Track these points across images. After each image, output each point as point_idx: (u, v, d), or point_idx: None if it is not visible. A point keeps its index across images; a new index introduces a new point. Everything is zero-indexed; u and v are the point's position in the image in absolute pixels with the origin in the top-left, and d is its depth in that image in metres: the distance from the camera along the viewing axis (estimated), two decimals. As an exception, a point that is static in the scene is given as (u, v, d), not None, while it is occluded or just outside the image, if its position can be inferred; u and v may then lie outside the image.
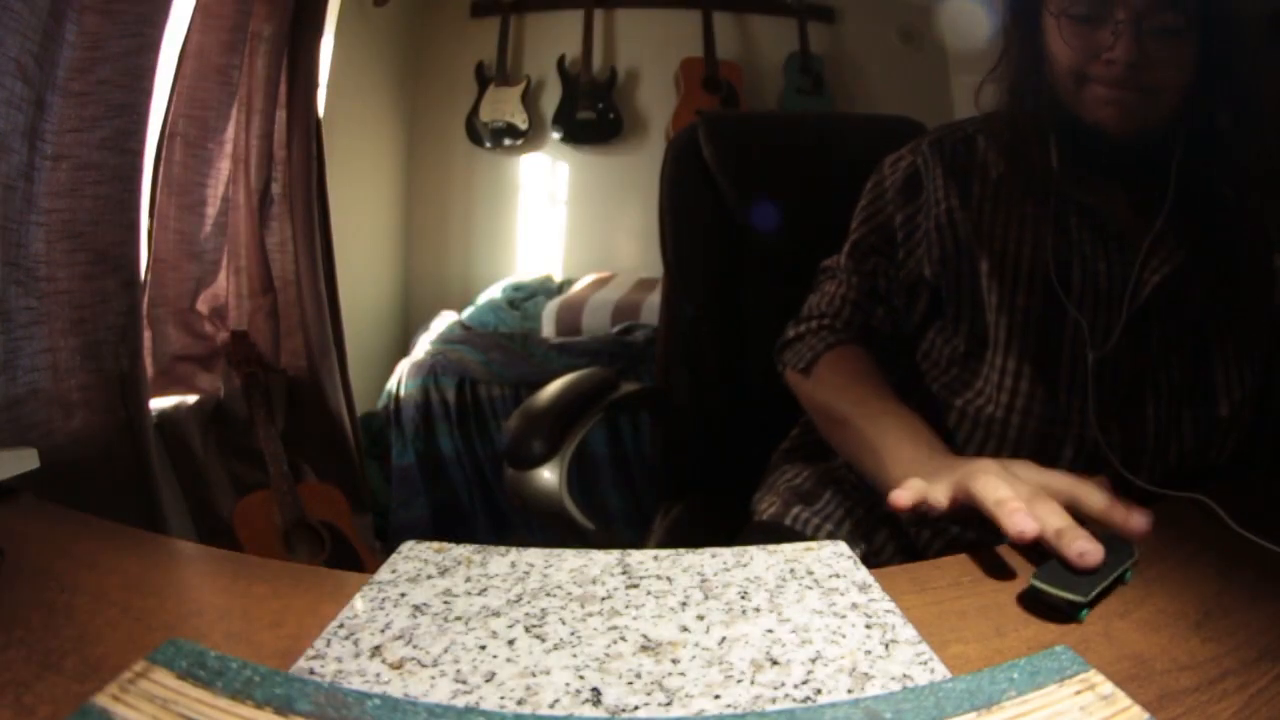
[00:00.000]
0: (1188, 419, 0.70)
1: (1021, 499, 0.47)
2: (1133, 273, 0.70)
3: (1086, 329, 0.70)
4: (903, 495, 0.52)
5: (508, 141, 2.67)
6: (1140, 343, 0.70)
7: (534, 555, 0.42)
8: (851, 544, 0.45)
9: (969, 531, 0.73)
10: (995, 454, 0.73)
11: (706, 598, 0.36)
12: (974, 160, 0.78)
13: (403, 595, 0.37)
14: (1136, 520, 0.45)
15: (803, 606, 0.35)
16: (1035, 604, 0.40)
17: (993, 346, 0.74)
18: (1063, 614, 0.39)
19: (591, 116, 2.64)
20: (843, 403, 0.75)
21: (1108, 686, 0.28)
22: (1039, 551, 0.45)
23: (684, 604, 0.36)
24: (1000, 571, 0.44)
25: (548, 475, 0.79)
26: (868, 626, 0.34)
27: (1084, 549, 0.42)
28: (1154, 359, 0.70)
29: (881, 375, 0.78)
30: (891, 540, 0.75)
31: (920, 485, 0.53)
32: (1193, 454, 0.70)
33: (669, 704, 0.28)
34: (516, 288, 2.56)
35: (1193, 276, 0.69)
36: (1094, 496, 0.48)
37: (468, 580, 0.39)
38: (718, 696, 0.29)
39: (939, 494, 0.52)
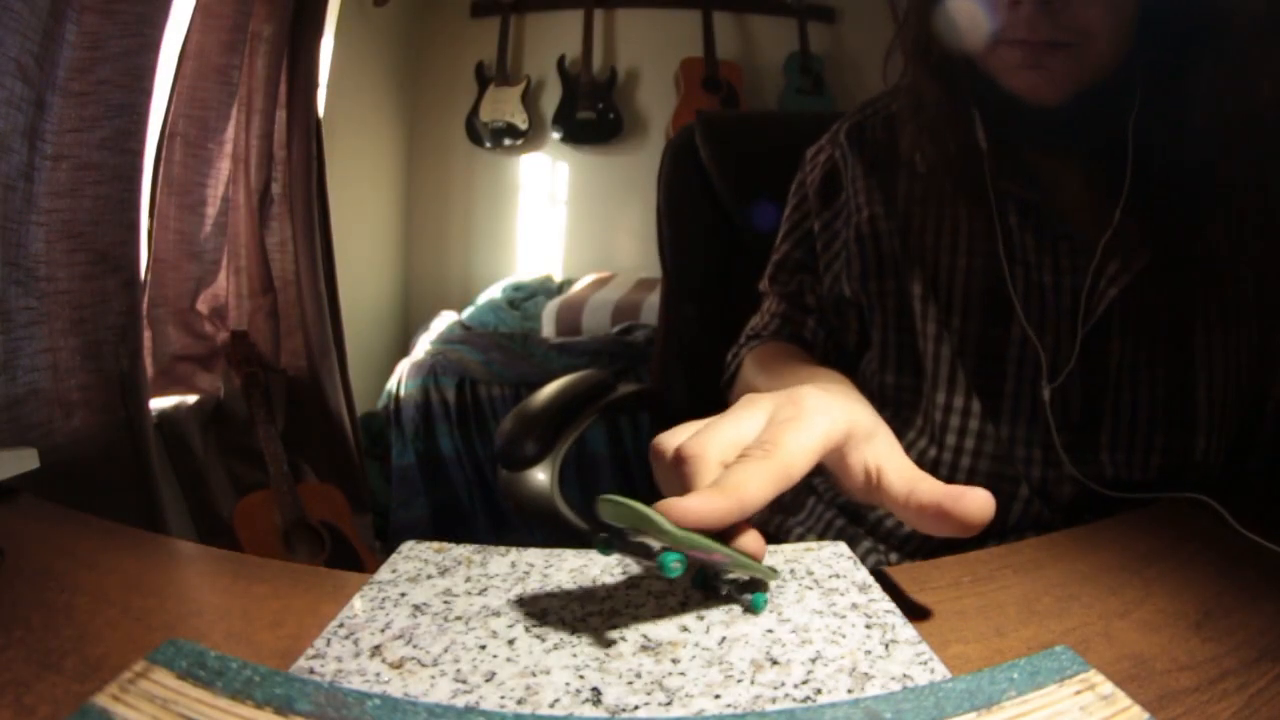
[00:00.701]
0: (1158, 445, 0.59)
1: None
2: (1085, 282, 0.58)
3: (1043, 356, 0.59)
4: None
5: (508, 141, 2.67)
6: (1099, 363, 0.59)
7: (534, 555, 0.42)
8: None
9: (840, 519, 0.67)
10: None
11: (706, 598, 0.36)
12: (898, 151, 0.66)
13: (403, 595, 0.37)
14: (969, 500, 0.34)
15: (803, 606, 0.35)
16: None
17: (930, 379, 0.63)
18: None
19: (591, 116, 2.64)
20: (756, 381, 0.65)
21: (1108, 686, 0.28)
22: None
23: (684, 604, 0.36)
24: (1000, 571, 0.44)
25: (540, 476, 0.79)
26: (868, 626, 0.34)
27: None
28: (1116, 379, 0.59)
29: (808, 356, 0.68)
30: (874, 551, 0.69)
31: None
32: (1161, 484, 0.59)
33: (669, 704, 0.28)
34: (516, 288, 2.57)
35: (1159, 280, 0.58)
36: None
37: (468, 580, 0.39)
38: (718, 696, 0.29)
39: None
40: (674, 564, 0.31)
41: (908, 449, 0.59)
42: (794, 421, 0.36)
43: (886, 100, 0.70)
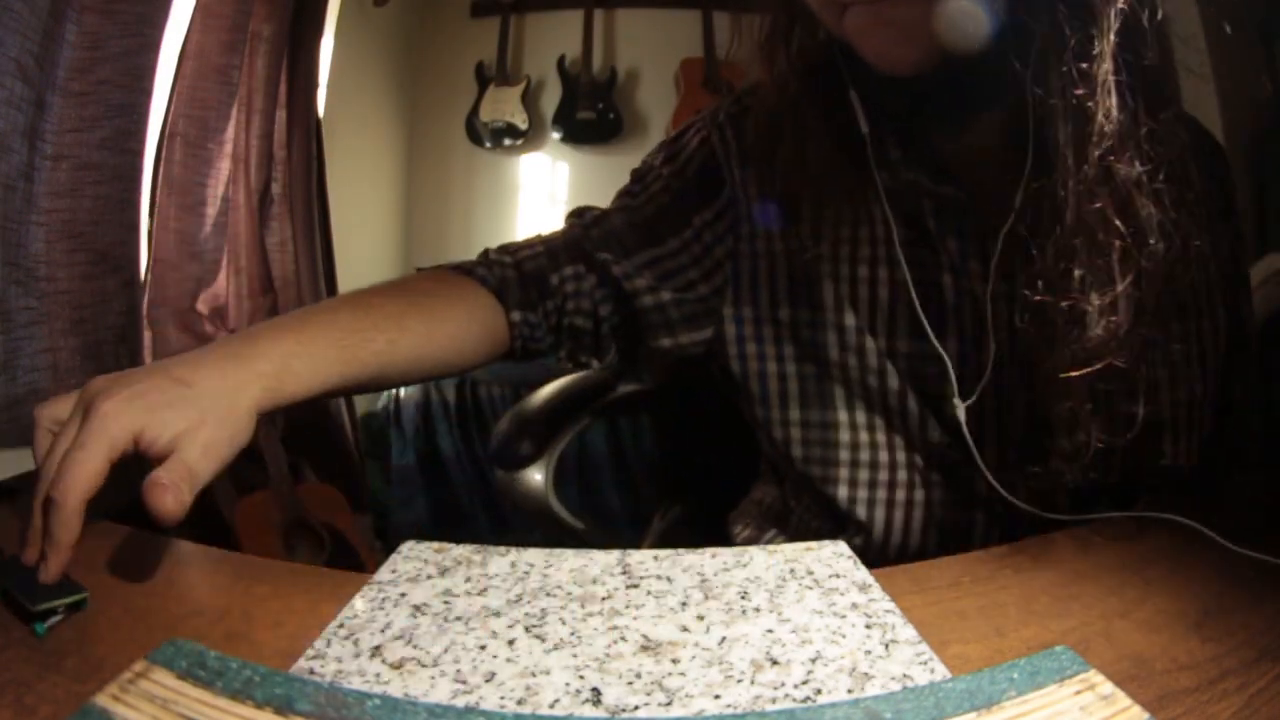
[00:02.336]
0: (1117, 453, 0.51)
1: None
2: (989, 280, 0.51)
3: (955, 368, 0.52)
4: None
5: (508, 141, 2.66)
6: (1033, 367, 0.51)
7: (534, 555, 0.42)
8: None
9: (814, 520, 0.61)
10: (901, 550, 0.57)
11: (706, 598, 0.36)
12: (782, 148, 0.56)
13: (403, 595, 0.37)
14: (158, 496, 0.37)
15: (803, 606, 0.35)
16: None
17: (847, 414, 0.57)
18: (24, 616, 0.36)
19: (591, 116, 2.64)
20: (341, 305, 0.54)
21: (1108, 686, 0.28)
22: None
23: (684, 604, 0.36)
24: (1000, 571, 0.44)
25: (535, 476, 0.80)
26: (868, 626, 0.34)
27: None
28: (1055, 384, 0.50)
29: (422, 302, 0.56)
30: (864, 558, 0.63)
31: None
32: (1129, 488, 0.54)
33: (669, 704, 0.28)
34: (517, 288, 2.56)
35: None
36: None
37: (468, 580, 0.39)
38: (718, 696, 0.29)
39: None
40: None
41: (839, 502, 0.58)
42: (75, 451, 0.39)
43: (763, 100, 0.59)
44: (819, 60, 0.54)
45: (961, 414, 0.52)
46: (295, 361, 0.46)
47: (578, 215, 0.65)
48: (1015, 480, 0.53)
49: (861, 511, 0.59)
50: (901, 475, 0.58)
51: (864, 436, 0.58)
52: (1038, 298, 0.47)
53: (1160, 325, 0.50)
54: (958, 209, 0.53)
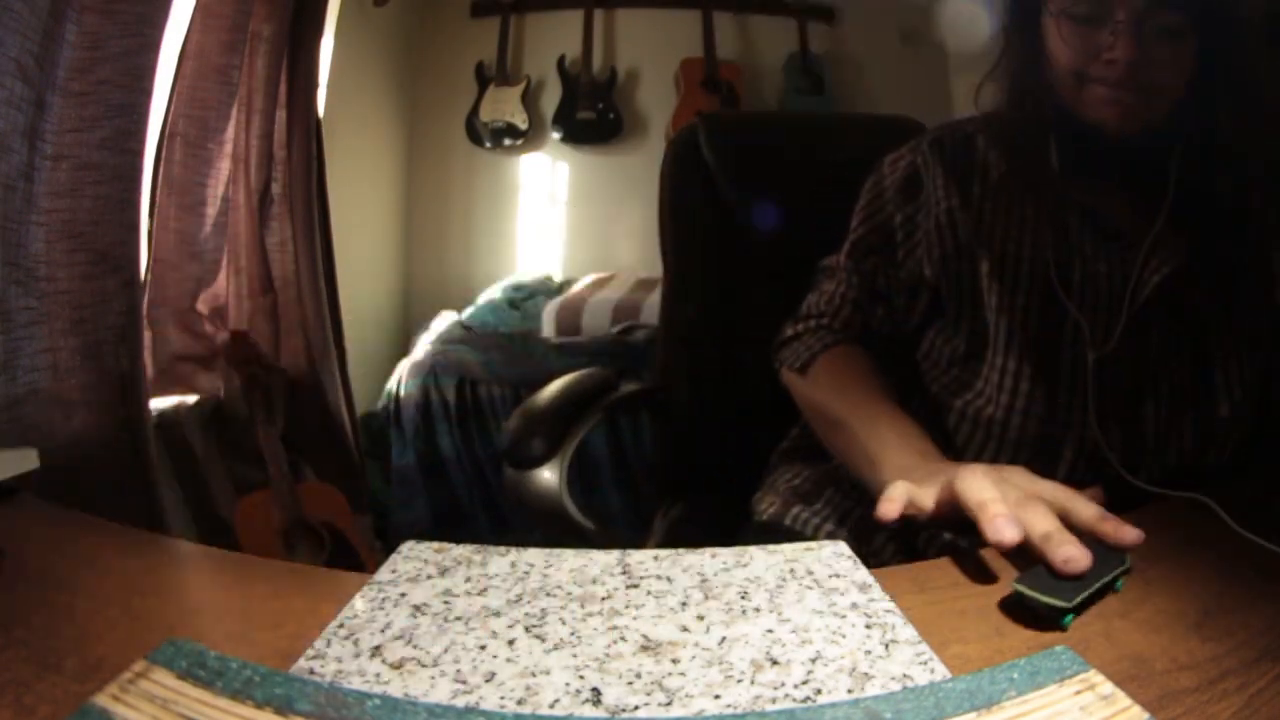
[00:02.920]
0: (1188, 419, 0.70)
1: (1008, 503, 0.46)
2: (1133, 273, 0.70)
3: (1087, 329, 0.70)
4: (889, 506, 0.51)
5: (508, 141, 2.67)
6: (1140, 343, 0.70)
7: (534, 555, 0.42)
8: (851, 544, 0.45)
9: (962, 539, 0.72)
10: (995, 455, 0.73)
11: (706, 598, 0.36)
12: (974, 160, 0.78)
13: (403, 595, 0.37)
14: (1128, 534, 0.44)
15: (803, 606, 0.35)
16: (1018, 609, 0.40)
17: (992, 347, 0.74)
18: (1046, 620, 0.39)
19: (591, 116, 2.64)
20: (839, 404, 0.75)
21: (1108, 686, 0.28)
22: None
23: (684, 604, 0.36)
24: (1001, 572, 0.44)
25: (547, 475, 0.79)
26: (868, 626, 0.34)
27: (1070, 555, 0.41)
28: (1154, 359, 0.70)
29: (880, 377, 0.77)
30: (891, 541, 0.74)
31: (905, 490, 0.52)
32: (1192, 454, 0.70)
33: (669, 704, 0.28)
34: (516, 288, 2.56)
35: (1193, 277, 0.69)
36: (1085, 508, 0.48)
37: (468, 580, 0.39)
38: (718, 696, 0.29)
39: (925, 497, 0.52)
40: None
41: (967, 406, 0.76)
42: (1074, 494, 0.50)
43: (964, 124, 0.81)
44: (1034, 98, 0.72)
45: (1090, 359, 0.69)
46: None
47: (850, 255, 0.83)
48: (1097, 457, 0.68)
49: (967, 424, 0.74)
50: (1019, 403, 0.71)
51: (998, 361, 0.72)
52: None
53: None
54: (1094, 218, 0.71)
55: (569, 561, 0.41)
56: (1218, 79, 0.67)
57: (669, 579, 0.39)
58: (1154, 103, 0.67)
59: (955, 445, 0.75)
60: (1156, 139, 0.69)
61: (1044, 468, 0.62)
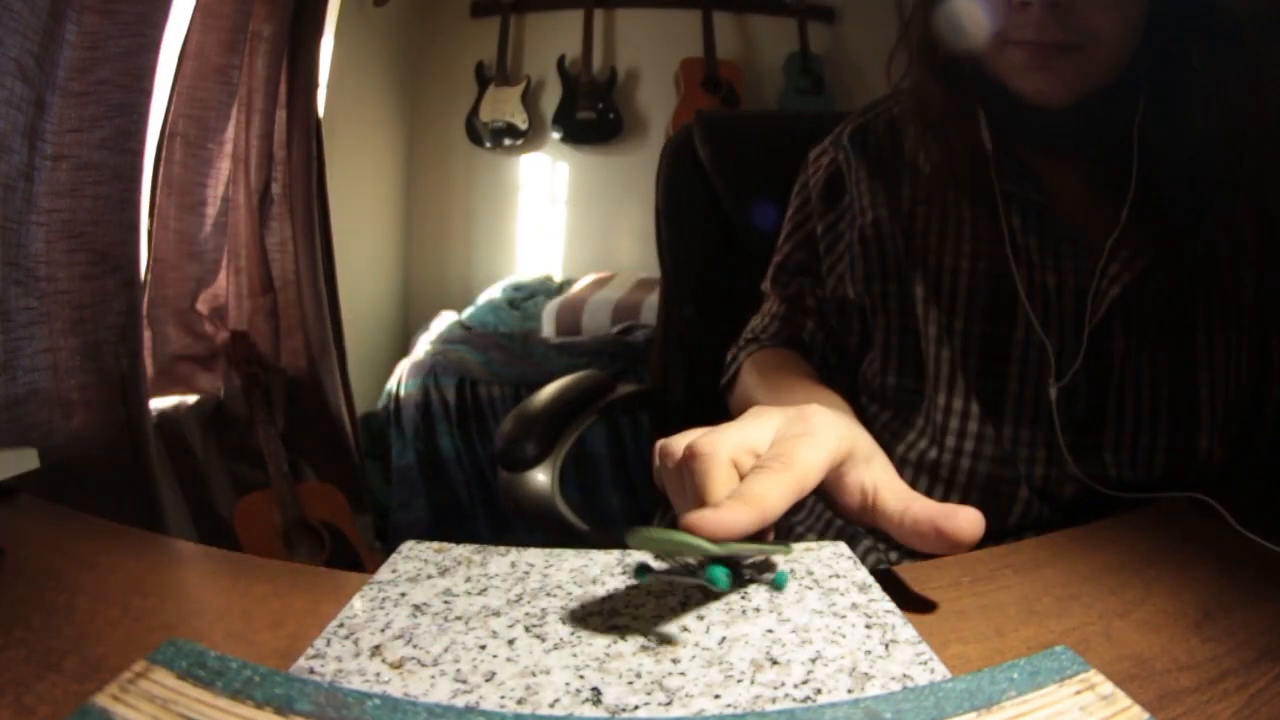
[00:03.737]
0: (1161, 445, 0.59)
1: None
2: (1092, 282, 0.58)
3: (1052, 355, 0.58)
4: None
5: (508, 141, 2.67)
6: (1101, 362, 0.59)
7: (534, 555, 0.42)
8: None
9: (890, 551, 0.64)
10: (944, 498, 0.61)
11: (706, 597, 0.36)
12: (901, 154, 0.66)
13: (403, 595, 0.37)
14: (962, 518, 0.36)
15: (803, 606, 0.35)
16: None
17: (932, 381, 0.64)
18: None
19: (591, 116, 2.64)
20: (757, 393, 0.66)
21: (1108, 686, 0.28)
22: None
23: (684, 604, 0.36)
24: (1000, 571, 0.44)
25: (540, 478, 0.79)
26: (868, 627, 0.34)
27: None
28: (1116, 380, 0.59)
29: (808, 368, 0.68)
30: (874, 549, 0.68)
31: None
32: (1165, 481, 0.59)
33: (669, 704, 0.28)
34: (516, 288, 2.56)
35: (1163, 275, 0.57)
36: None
37: (468, 580, 0.39)
38: (718, 696, 0.29)
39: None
40: (724, 577, 0.33)
41: (908, 450, 0.65)
42: (805, 436, 0.38)
43: (888, 103, 0.70)
44: (955, 77, 0.61)
45: (1053, 393, 0.58)
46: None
47: (774, 279, 0.77)
48: (1059, 470, 0.59)
49: (908, 475, 0.64)
50: (968, 445, 0.63)
51: (939, 399, 0.63)
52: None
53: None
54: (1040, 216, 0.60)
55: (569, 561, 0.41)
56: (1174, 20, 0.53)
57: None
58: (1092, 60, 0.53)
59: None
60: (1109, 105, 0.55)
61: (996, 512, 0.58)
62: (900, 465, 0.63)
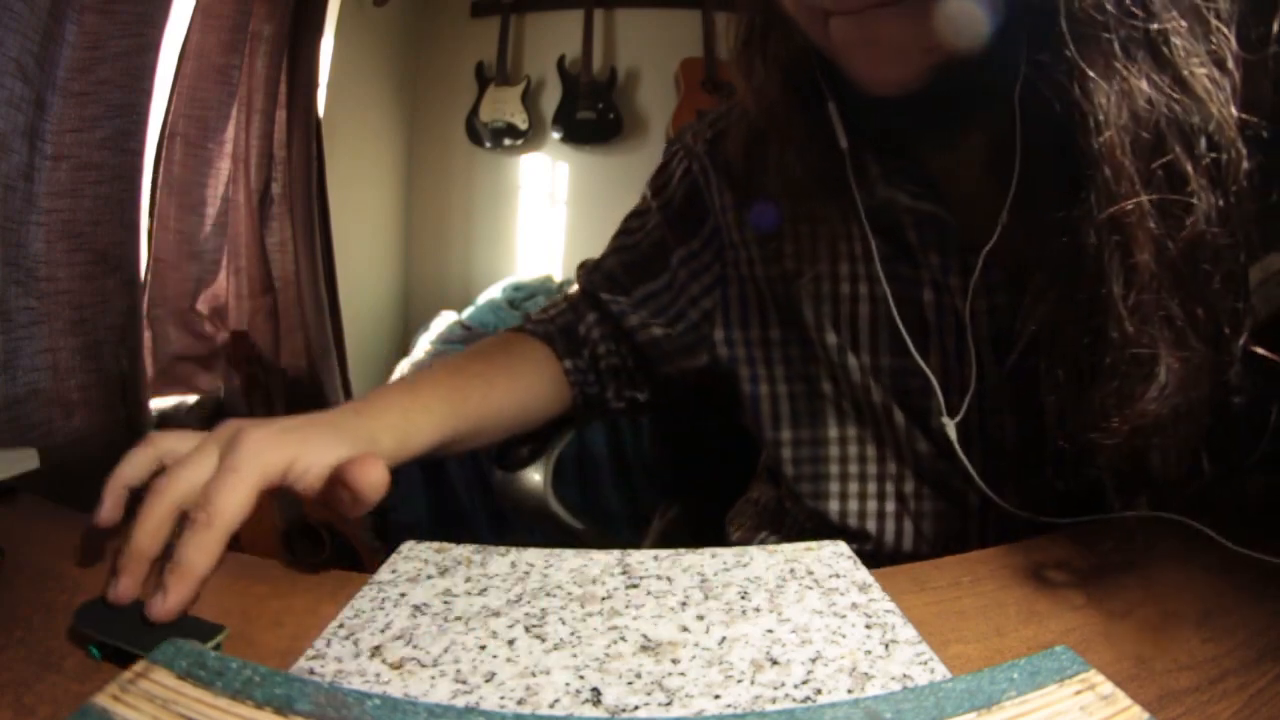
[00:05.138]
0: (1105, 458, 0.48)
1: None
2: (981, 304, 0.50)
3: (936, 388, 0.52)
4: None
5: (508, 141, 2.66)
6: (1027, 381, 0.49)
7: (534, 555, 0.42)
8: None
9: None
10: (894, 558, 0.57)
11: (706, 598, 0.36)
12: (760, 170, 0.55)
13: (403, 595, 0.37)
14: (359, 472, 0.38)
15: (803, 606, 0.35)
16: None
17: (839, 432, 0.57)
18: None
19: (591, 116, 2.64)
20: (424, 372, 0.59)
21: (1108, 686, 0.28)
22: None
23: (684, 604, 0.36)
24: (1000, 571, 0.44)
25: (535, 477, 0.80)
26: (868, 626, 0.34)
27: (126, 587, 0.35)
28: (1038, 394, 0.48)
29: (503, 365, 0.61)
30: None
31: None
32: (1120, 491, 0.51)
33: (669, 704, 0.28)
34: (516, 288, 2.56)
35: (1063, 288, 0.46)
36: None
37: (468, 580, 0.39)
38: (718, 696, 0.29)
39: None
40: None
41: (830, 516, 0.59)
42: (227, 474, 0.38)
43: (738, 111, 0.58)
44: (798, 70, 0.51)
45: (951, 431, 0.51)
46: (415, 416, 0.51)
47: (583, 267, 0.70)
48: (1007, 488, 0.52)
49: (854, 523, 0.59)
50: (890, 488, 0.58)
51: (853, 450, 0.58)
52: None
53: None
54: (938, 225, 0.52)
55: (569, 561, 0.41)
56: None
57: (669, 579, 0.39)
58: (924, 20, 0.40)
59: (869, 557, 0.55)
60: (977, 79, 0.44)
61: (956, 549, 0.50)
62: (835, 534, 0.55)
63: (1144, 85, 0.39)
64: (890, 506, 0.58)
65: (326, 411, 0.47)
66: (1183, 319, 0.42)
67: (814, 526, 0.64)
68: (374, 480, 0.38)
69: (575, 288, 0.70)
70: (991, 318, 0.51)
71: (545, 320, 0.68)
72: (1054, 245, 0.44)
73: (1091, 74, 0.39)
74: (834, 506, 0.59)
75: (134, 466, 0.40)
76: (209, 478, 0.38)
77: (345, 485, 0.38)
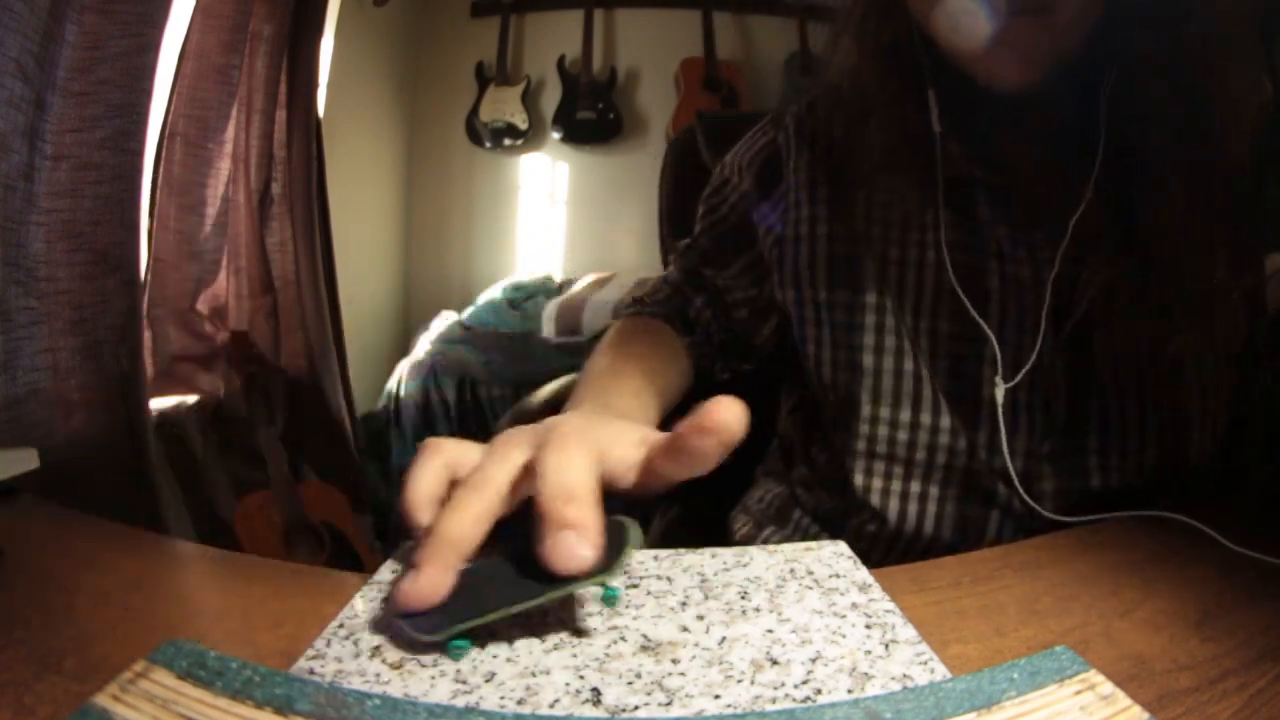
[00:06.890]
0: (1150, 445, 0.55)
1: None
2: (1049, 273, 0.53)
3: (997, 353, 0.54)
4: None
5: (508, 141, 2.67)
6: (1081, 358, 0.54)
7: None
8: None
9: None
10: (912, 541, 0.59)
11: (706, 598, 0.36)
12: (845, 140, 0.60)
13: (403, 595, 0.37)
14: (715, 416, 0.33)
15: (803, 606, 0.35)
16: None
17: (883, 391, 0.59)
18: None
19: (591, 116, 2.64)
20: (597, 363, 0.60)
21: (1108, 686, 0.28)
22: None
23: (684, 604, 0.36)
24: (1000, 571, 0.44)
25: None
26: (868, 626, 0.34)
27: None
28: (1099, 377, 0.54)
29: (663, 351, 0.63)
30: (873, 546, 0.64)
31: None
32: (1153, 485, 0.55)
33: (669, 704, 0.28)
34: (516, 288, 2.56)
35: (1136, 263, 0.52)
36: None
37: (468, 580, 0.38)
38: (718, 696, 0.29)
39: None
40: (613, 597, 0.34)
41: (854, 491, 0.60)
42: (562, 452, 0.35)
43: (833, 88, 0.63)
44: (896, 55, 0.56)
45: (1000, 393, 0.54)
46: (646, 400, 0.53)
47: (680, 253, 0.73)
48: (1041, 486, 0.55)
49: (876, 500, 0.60)
50: (918, 470, 0.59)
51: (884, 413, 0.59)
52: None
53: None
54: (1008, 203, 0.55)
55: (569, 561, 0.41)
56: None
57: (669, 579, 0.39)
58: (1052, 29, 0.48)
59: (862, 543, 0.59)
60: (1071, 82, 0.51)
61: (975, 534, 0.55)
62: (854, 510, 0.60)
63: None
64: (915, 487, 0.59)
65: (574, 412, 0.44)
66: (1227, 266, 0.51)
67: (825, 513, 0.65)
68: (738, 410, 0.34)
69: (668, 272, 0.72)
70: (1054, 286, 0.54)
71: (658, 303, 0.70)
72: (1146, 228, 0.50)
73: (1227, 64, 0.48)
74: (859, 481, 0.61)
75: (430, 481, 0.38)
76: (516, 475, 0.36)
77: (702, 431, 0.34)
